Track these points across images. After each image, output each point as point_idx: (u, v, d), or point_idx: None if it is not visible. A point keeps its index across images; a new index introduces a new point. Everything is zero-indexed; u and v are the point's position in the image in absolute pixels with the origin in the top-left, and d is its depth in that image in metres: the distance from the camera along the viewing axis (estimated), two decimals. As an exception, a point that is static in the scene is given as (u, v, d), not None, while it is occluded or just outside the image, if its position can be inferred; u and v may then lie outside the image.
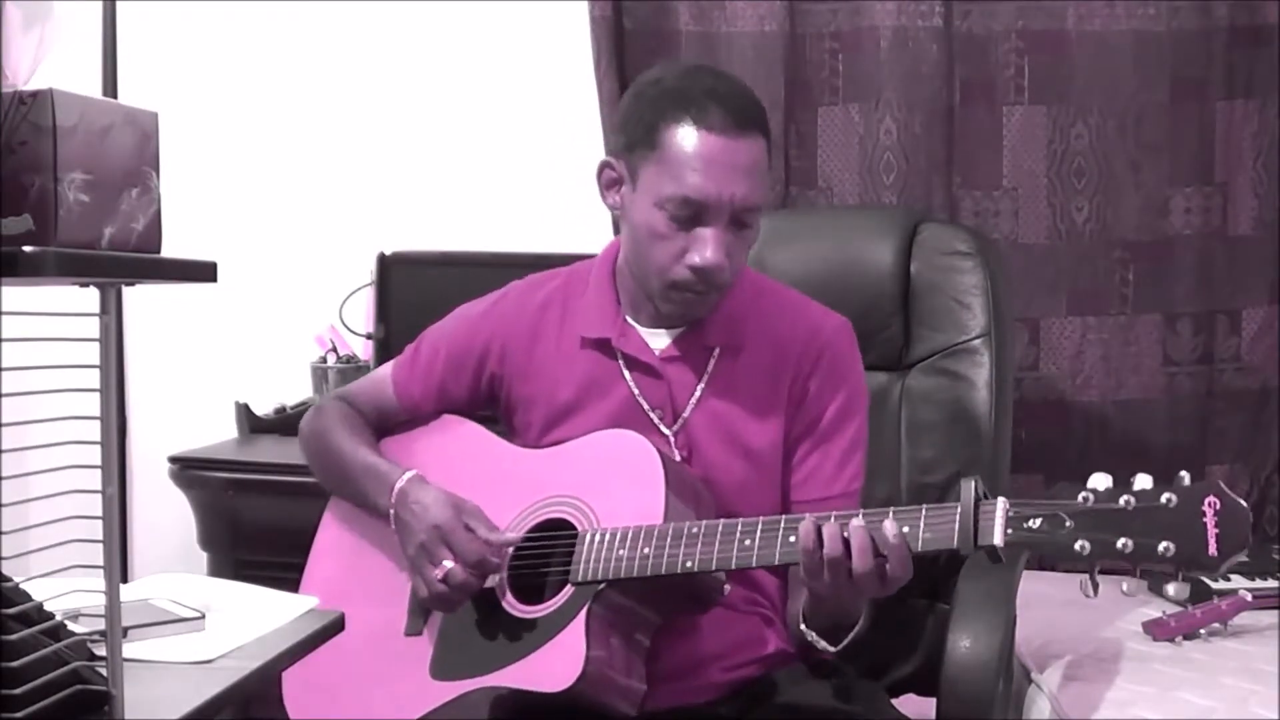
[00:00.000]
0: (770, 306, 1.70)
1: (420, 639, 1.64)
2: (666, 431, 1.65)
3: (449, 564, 1.57)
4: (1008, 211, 2.64)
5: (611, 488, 1.58)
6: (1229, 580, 2.28)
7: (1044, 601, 2.30)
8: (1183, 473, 1.29)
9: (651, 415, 1.65)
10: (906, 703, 1.79)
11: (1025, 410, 2.45)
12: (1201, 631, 2.12)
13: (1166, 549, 1.25)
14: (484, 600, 1.61)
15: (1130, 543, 1.26)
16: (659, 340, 1.67)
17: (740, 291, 1.66)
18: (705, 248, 1.55)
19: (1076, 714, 1.86)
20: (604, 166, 1.64)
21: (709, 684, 1.62)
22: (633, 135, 1.58)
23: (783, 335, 1.67)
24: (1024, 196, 2.64)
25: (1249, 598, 2.16)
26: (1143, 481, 1.28)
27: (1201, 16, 2.57)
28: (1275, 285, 2.64)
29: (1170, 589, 1.29)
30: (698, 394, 1.65)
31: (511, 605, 1.59)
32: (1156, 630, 2.13)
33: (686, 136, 1.53)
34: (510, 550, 1.61)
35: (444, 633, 1.63)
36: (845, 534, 1.39)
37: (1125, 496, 1.28)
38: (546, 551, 1.60)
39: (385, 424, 1.79)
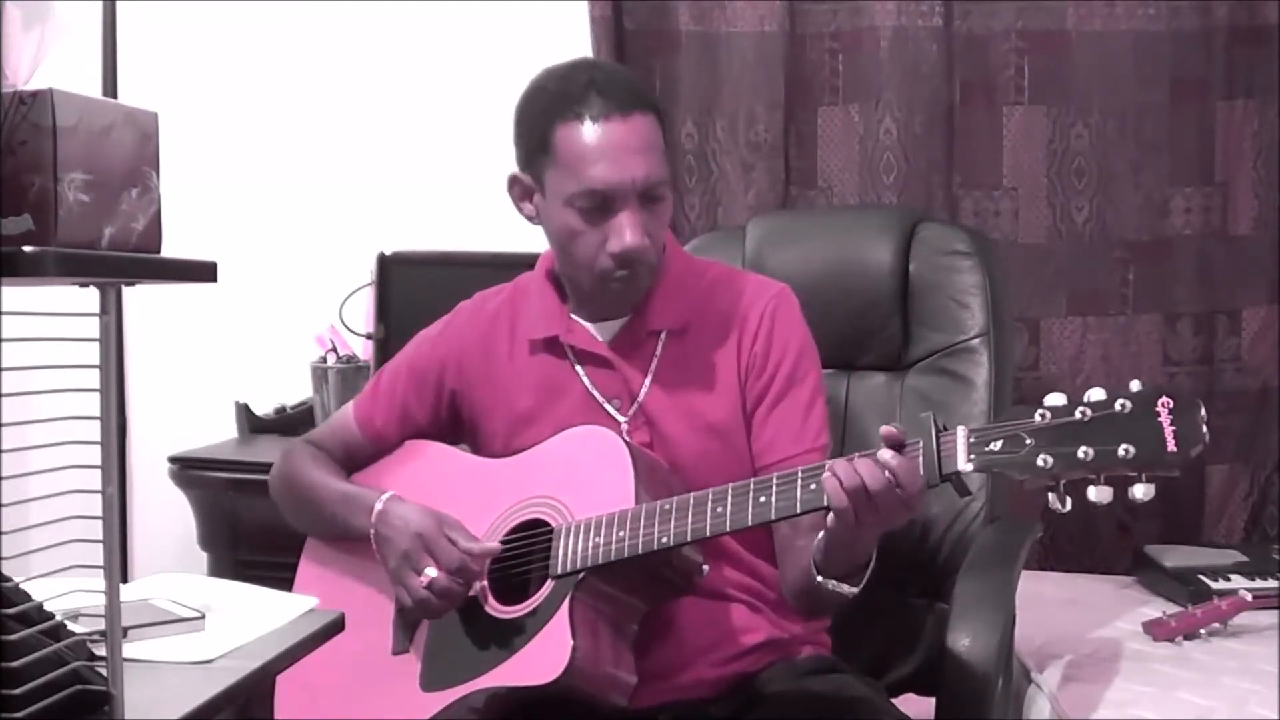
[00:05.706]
0: (709, 284, 1.73)
1: (408, 656, 1.65)
2: (622, 419, 1.66)
3: (432, 571, 1.57)
4: (1008, 211, 2.64)
5: (581, 481, 1.59)
6: (1229, 580, 2.29)
7: (1044, 601, 2.30)
8: (1134, 380, 1.31)
9: (607, 406, 1.67)
10: (906, 702, 1.79)
11: (1025, 410, 2.44)
12: (1201, 631, 2.12)
13: (1126, 452, 1.27)
14: (467, 607, 1.61)
15: (1091, 451, 1.28)
16: (605, 332, 1.70)
17: (677, 275, 1.70)
18: (622, 233, 1.57)
19: (1076, 714, 1.86)
20: (513, 182, 1.67)
21: (699, 680, 1.61)
22: (529, 146, 1.63)
23: (726, 309, 1.70)
24: (1024, 196, 2.64)
25: (1249, 598, 2.16)
26: (1096, 394, 1.30)
27: (1201, 16, 2.58)
28: (1275, 285, 2.64)
29: (1137, 491, 1.29)
30: (649, 378, 1.68)
31: (494, 608, 1.59)
32: (1156, 630, 2.13)
33: (576, 132, 1.57)
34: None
35: (430, 645, 1.63)
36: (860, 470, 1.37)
37: (1080, 408, 1.30)
38: (525, 552, 1.60)
39: (352, 461, 1.80)
